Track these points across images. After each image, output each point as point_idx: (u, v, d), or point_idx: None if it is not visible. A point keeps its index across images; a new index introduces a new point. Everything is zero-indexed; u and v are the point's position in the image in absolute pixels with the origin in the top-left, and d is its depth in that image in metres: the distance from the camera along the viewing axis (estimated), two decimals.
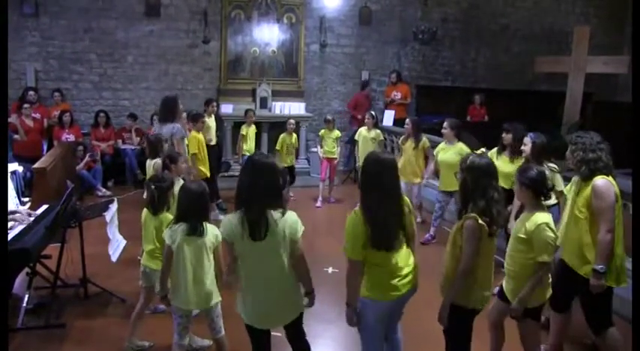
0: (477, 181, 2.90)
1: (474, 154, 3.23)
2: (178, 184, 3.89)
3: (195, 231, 3.24)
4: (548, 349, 3.80)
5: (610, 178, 3.35)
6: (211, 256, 3.34)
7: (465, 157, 3.09)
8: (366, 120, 7.93)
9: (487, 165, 2.97)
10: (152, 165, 4.90)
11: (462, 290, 2.92)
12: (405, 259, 2.87)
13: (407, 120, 7.09)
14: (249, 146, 8.18)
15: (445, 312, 2.97)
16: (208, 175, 6.65)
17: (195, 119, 6.62)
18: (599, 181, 3.31)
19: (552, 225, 3.07)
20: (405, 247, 2.88)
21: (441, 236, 6.31)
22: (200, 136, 6.59)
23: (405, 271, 2.86)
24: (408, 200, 2.96)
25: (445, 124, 6.20)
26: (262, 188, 2.74)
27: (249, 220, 2.71)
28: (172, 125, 5.38)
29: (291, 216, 2.83)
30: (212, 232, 3.31)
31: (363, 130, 7.91)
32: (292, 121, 8.29)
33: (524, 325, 3.29)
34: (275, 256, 2.78)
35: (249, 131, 8.20)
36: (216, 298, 3.40)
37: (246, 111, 8.32)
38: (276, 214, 2.76)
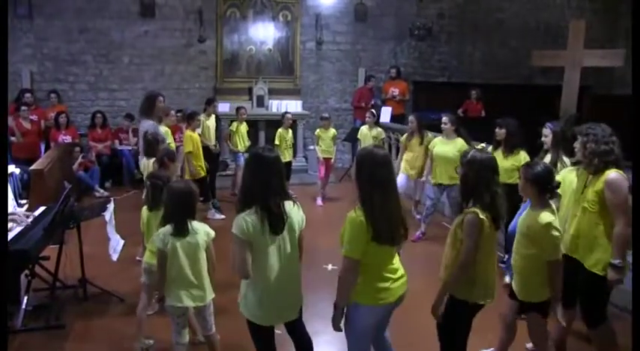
0: (479, 175, 2.86)
1: (474, 149, 3.15)
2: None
3: (181, 231, 3.20)
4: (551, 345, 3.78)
5: (621, 172, 3.27)
6: (204, 255, 3.31)
7: (466, 151, 3.05)
8: (366, 119, 7.91)
9: (489, 159, 2.94)
10: (150, 164, 4.90)
11: (464, 285, 2.89)
12: (397, 260, 2.82)
13: (411, 117, 6.96)
14: (242, 143, 8.16)
15: (439, 304, 2.94)
16: (203, 173, 6.71)
17: (191, 118, 6.69)
18: (613, 174, 3.23)
19: (557, 223, 3.03)
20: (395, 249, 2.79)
21: (431, 233, 6.31)
22: (195, 134, 6.66)
23: (399, 273, 2.79)
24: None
25: (445, 119, 6.08)
26: (275, 182, 2.75)
27: (270, 216, 2.70)
28: (148, 122, 5.45)
29: (299, 206, 2.92)
30: (203, 230, 3.29)
31: (364, 128, 7.90)
32: (289, 115, 8.19)
33: (530, 320, 3.27)
34: (292, 247, 2.83)
35: (241, 128, 8.17)
36: (210, 295, 3.38)
37: (237, 108, 8.25)
38: (288, 204, 2.81)
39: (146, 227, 3.86)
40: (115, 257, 4.26)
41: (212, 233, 3.34)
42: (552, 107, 8.31)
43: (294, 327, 3.05)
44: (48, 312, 4.13)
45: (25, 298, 4.08)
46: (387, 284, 2.71)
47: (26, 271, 4.07)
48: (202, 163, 6.71)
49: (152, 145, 5.03)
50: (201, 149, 6.73)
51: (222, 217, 7.02)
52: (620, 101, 9.10)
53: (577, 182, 3.53)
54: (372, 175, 2.66)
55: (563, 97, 7.47)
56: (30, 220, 4.27)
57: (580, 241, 3.43)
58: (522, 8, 11.69)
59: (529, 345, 3.76)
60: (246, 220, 2.69)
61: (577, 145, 3.47)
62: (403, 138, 7.10)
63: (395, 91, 10.16)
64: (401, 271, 2.81)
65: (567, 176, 3.77)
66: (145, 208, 3.86)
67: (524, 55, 9.99)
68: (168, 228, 3.23)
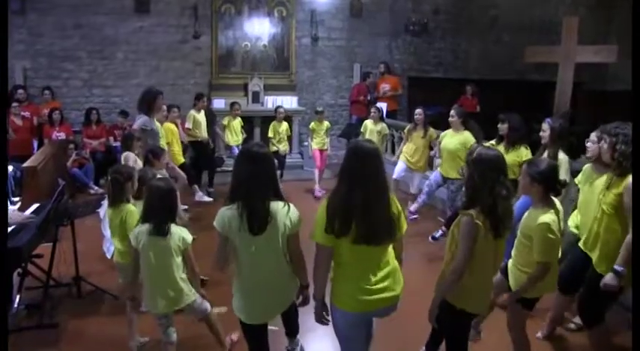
0: (483, 175, 2.62)
1: (481, 146, 2.90)
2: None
3: (159, 231, 3.10)
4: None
5: None
6: (179, 259, 3.19)
7: (472, 149, 2.82)
8: (371, 114, 7.92)
9: (496, 157, 2.68)
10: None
11: (461, 293, 2.73)
12: (382, 270, 2.61)
13: (418, 109, 6.93)
14: (235, 138, 8.34)
15: (434, 310, 2.79)
16: (182, 160, 7.06)
17: (168, 111, 6.99)
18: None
19: (555, 226, 2.84)
20: (385, 254, 2.64)
21: (427, 230, 6.22)
22: (172, 125, 6.97)
23: (380, 285, 2.59)
24: (396, 198, 2.71)
25: (452, 112, 6.04)
26: (262, 179, 2.66)
27: (249, 214, 2.61)
28: (144, 118, 5.47)
29: (292, 208, 2.75)
30: (178, 235, 3.17)
31: (369, 123, 7.86)
32: (282, 109, 8.44)
33: (512, 310, 3.18)
34: (274, 249, 2.71)
35: (234, 123, 8.33)
36: (188, 299, 3.26)
37: (232, 104, 8.43)
38: (276, 205, 2.69)
39: (110, 223, 3.80)
40: (109, 254, 4.25)
41: (188, 239, 3.21)
42: (546, 103, 8.32)
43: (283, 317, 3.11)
44: (41, 311, 4.10)
45: (18, 296, 4.06)
46: (357, 293, 2.57)
47: (19, 270, 4.06)
48: (179, 150, 7.04)
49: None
50: (177, 139, 7.06)
51: (210, 199, 7.30)
52: (613, 97, 9.13)
53: (601, 183, 3.34)
54: (347, 166, 2.60)
55: (557, 92, 7.45)
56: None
57: (594, 241, 3.34)
58: (517, 4, 11.67)
59: (539, 334, 3.83)
60: (226, 214, 2.66)
61: (603, 145, 3.25)
62: (407, 128, 7.12)
63: (385, 87, 10.10)
64: (384, 284, 2.60)
65: (587, 170, 3.66)
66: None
67: (519, 51, 9.98)
68: (145, 226, 3.15)
